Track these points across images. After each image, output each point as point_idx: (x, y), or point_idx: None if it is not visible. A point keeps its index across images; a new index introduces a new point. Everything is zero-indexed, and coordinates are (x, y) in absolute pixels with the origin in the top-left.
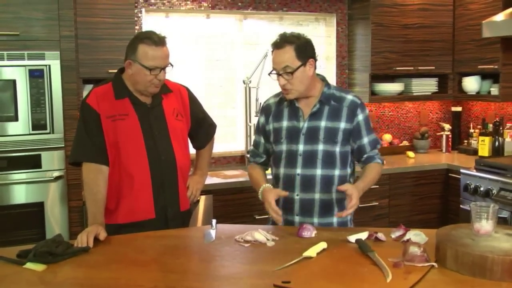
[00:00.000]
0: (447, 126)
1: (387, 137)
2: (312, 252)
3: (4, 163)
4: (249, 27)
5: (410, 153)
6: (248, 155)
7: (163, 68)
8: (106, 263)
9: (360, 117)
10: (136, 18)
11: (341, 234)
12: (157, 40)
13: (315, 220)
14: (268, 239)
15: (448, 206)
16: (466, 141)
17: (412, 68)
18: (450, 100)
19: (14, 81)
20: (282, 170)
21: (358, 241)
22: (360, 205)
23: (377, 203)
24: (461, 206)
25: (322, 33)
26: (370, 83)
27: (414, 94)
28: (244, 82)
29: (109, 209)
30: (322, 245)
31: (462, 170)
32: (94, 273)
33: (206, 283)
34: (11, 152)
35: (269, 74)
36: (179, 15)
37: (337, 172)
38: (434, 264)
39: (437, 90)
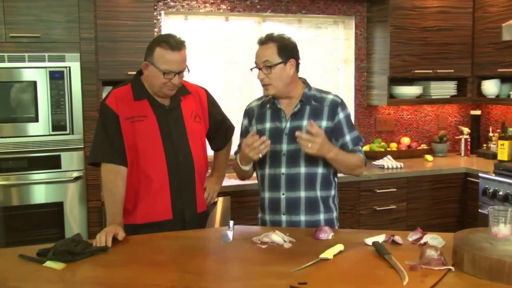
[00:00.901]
0: (466, 130)
1: (405, 140)
2: (328, 254)
3: (25, 163)
4: (268, 30)
5: (428, 157)
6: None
7: (177, 73)
8: (124, 263)
9: (341, 115)
10: (155, 21)
11: (358, 236)
12: (174, 44)
13: (302, 218)
14: (285, 241)
15: (466, 210)
16: (485, 145)
17: (431, 71)
18: (469, 103)
19: (35, 83)
20: (267, 171)
21: (375, 243)
22: (377, 208)
23: (395, 207)
24: (479, 210)
25: (340, 36)
26: (389, 86)
27: (433, 97)
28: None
29: (127, 209)
30: (339, 247)
31: (480, 174)
32: (112, 273)
33: (223, 284)
34: (31, 152)
35: (251, 69)
36: (198, 17)
37: (320, 170)
38: (451, 267)
39: (456, 94)
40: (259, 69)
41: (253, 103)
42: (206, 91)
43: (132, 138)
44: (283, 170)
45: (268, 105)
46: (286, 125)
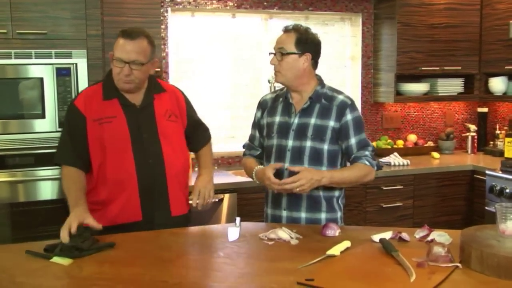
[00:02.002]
0: (472, 127)
1: (412, 138)
2: (335, 250)
3: (32, 159)
4: (275, 27)
5: (435, 154)
6: (244, 149)
7: (128, 63)
8: (131, 259)
9: (349, 117)
10: (162, 18)
11: (365, 233)
12: (129, 33)
13: (303, 215)
14: (292, 237)
15: (473, 207)
16: (492, 142)
17: (438, 68)
18: (476, 100)
19: (41, 79)
20: None
21: (382, 240)
22: (384, 205)
23: (401, 204)
24: (486, 208)
25: (347, 33)
26: (396, 83)
27: (440, 94)
28: (269, 81)
29: (96, 211)
30: (346, 243)
31: (487, 172)
32: (119, 269)
33: (230, 280)
34: (38, 149)
35: (270, 54)
36: (204, 14)
37: (324, 169)
38: (458, 264)
39: (463, 91)
40: (274, 54)
41: (267, 95)
42: (182, 92)
43: (100, 140)
44: (287, 165)
45: (281, 99)
46: (294, 120)
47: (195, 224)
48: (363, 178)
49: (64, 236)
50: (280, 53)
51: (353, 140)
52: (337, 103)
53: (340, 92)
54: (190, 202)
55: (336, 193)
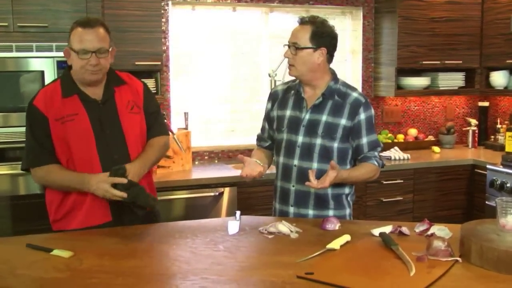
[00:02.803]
0: (473, 121)
1: (413, 132)
2: (335, 244)
3: None
4: (275, 21)
5: (436, 148)
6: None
7: (94, 52)
8: (131, 252)
9: (362, 116)
10: (162, 11)
11: (365, 227)
12: (86, 22)
13: (310, 212)
14: (291, 231)
15: (473, 202)
16: (492, 136)
17: (439, 62)
18: (477, 95)
19: (42, 72)
20: (281, 159)
21: (382, 234)
22: (384, 200)
23: (401, 198)
24: (486, 202)
25: (348, 27)
26: (396, 77)
27: (441, 88)
28: (269, 75)
29: (63, 215)
30: (346, 237)
31: (488, 166)
32: (119, 261)
33: (230, 274)
34: None
35: (284, 45)
36: (205, 8)
37: None
38: (458, 259)
39: (464, 85)
40: (289, 46)
41: (279, 86)
42: (144, 83)
43: (64, 139)
44: (296, 162)
45: (292, 92)
46: (306, 116)
47: (193, 218)
48: (369, 178)
49: (120, 193)
50: (294, 47)
51: (364, 140)
52: (350, 101)
53: (354, 89)
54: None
55: (346, 190)
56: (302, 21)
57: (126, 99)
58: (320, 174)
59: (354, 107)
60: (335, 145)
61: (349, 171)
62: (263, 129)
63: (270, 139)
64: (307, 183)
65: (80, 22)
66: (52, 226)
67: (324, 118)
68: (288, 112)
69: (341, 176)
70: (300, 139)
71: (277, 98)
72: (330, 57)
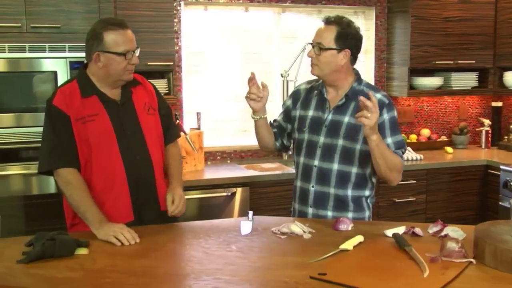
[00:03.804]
0: (487, 122)
1: (425, 132)
2: (348, 245)
3: None
4: (287, 21)
5: (449, 149)
6: None
7: (134, 51)
8: (144, 252)
9: (386, 116)
10: (175, 12)
11: (378, 228)
12: (120, 23)
13: (329, 213)
14: (304, 232)
15: (487, 203)
16: (506, 137)
17: (452, 62)
18: (490, 95)
19: (55, 73)
20: (301, 159)
21: (395, 235)
22: (396, 200)
23: (414, 199)
24: (500, 203)
25: (361, 27)
26: (409, 77)
27: (454, 88)
28: (282, 75)
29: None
30: (359, 238)
31: (502, 167)
32: (132, 261)
33: (242, 274)
34: None
35: (307, 44)
36: (217, 8)
37: (354, 169)
38: (472, 260)
39: (477, 85)
40: (313, 46)
41: (302, 85)
42: (153, 84)
43: (85, 139)
44: (316, 162)
45: (315, 92)
46: (328, 117)
47: (205, 218)
48: (394, 171)
49: (130, 238)
50: (319, 48)
51: (389, 140)
52: None
53: (377, 90)
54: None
55: (367, 193)
56: (328, 21)
57: (143, 100)
58: (340, 176)
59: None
60: (357, 147)
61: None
62: (275, 119)
63: (278, 128)
64: (362, 98)
65: (114, 23)
66: (68, 229)
67: (346, 119)
68: (310, 113)
69: (382, 142)
70: (322, 139)
71: (299, 97)
72: (354, 58)
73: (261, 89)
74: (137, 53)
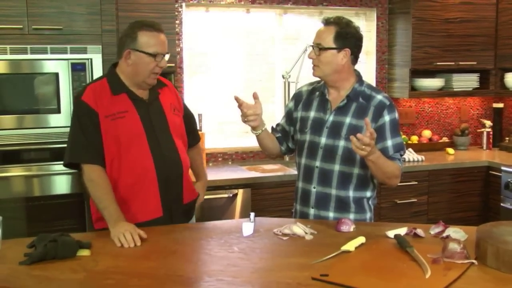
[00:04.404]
0: (488, 123)
1: (427, 133)
2: (350, 246)
3: (47, 154)
4: (289, 22)
5: (450, 150)
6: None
7: (164, 55)
8: (146, 253)
9: (386, 118)
10: (176, 13)
11: (380, 229)
12: (157, 26)
13: (331, 214)
14: (306, 233)
15: (488, 204)
16: (507, 138)
17: (453, 63)
18: (491, 96)
19: (57, 74)
20: (303, 161)
21: (397, 236)
22: (398, 202)
23: (416, 200)
24: (501, 204)
25: (362, 28)
26: (410, 78)
27: (455, 89)
28: (283, 76)
29: None
30: (361, 239)
31: (503, 168)
32: (134, 263)
33: (244, 275)
34: (54, 143)
35: (307, 46)
36: (219, 9)
37: (356, 170)
38: (474, 261)
39: (478, 86)
40: (312, 47)
41: (303, 87)
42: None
43: (114, 136)
44: (318, 163)
45: (317, 93)
46: (329, 118)
47: (207, 219)
48: (392, 178)
49: (130, 240)
50: (318, 48)
51: (389, 142)
52: (375, 103)
53: (379, 91)
54: None
55: (368, 194)
56: (327, 22)
57: (169, 101)
58: (342, 177)
59: (378, 109)
60: None
61: (380, 154)
62: (279, 123)
63: (282, 132)
64: (358, 136)
65: (150, 25)
66: (94, 224)
67: (348, 120)
68: (312, 114)
69: (374, 151)
70: (323, 140)
71: (301, 99)
72: (354, 58)
73: (255, 105)
74: (167, 58)
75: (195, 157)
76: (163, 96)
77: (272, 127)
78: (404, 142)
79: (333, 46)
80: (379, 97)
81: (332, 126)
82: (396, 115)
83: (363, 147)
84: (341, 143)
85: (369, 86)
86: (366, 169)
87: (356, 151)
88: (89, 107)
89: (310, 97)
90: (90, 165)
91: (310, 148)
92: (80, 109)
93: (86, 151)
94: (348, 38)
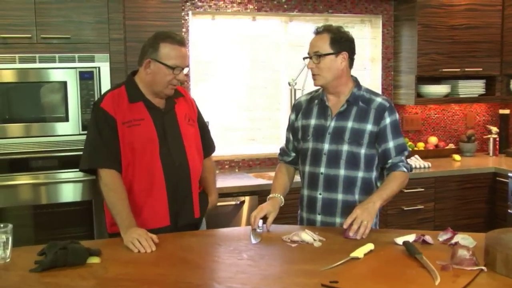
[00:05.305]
0: (494, 129)
1: (433, 140)
2: (359, 253)
3: (55, 162)
4: (295, 29)
5: (456, 156)
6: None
7: (183, 68)
8: (155, 260)
9: (387, 120)
10: (183, 21)
11: (388, 236)
12: (180, 40)
13: (337, 220)
14: (314, 240)
15: (495, 210)
16: None
17: (459, 69)
18: (497, 102)
19: (65, 83)
20: (307, 168)
21: (405, 243)
22: (405, 208)
23: (422, 207)
24: (508, 210)
25: (367, 35)
26: (416, 85)
27: (461, 96)
28: (289, 84)
29: None
30: (369, 246)
31: (510, 174)
32: (143, 270)
33: (253, 282)
34: (61, 151)
35: (303, 58)
36: (225, 17)
37: (360, 174)
38: (483, 268)
39: (484, 92)
40: (310, 58)
41: (302, 97)
42: (192, 97)
43: (129, 143)
44: (322, 169)
45: (316, 101)
46: (331, 124)
47: (214, 226)
48: (403, 187)
49: (146, 246)
50: (316, 56)
51: (391, 144)
52: (375, 106)
53: (377, 94)
54: None
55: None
56: (318, 31)
57: (184, 111)
58: (347, 181)
59: (379, 111)
60: (362, 151)
61: (385, 187)
62: (287, 140)
63: (294, 151)
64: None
65: (173, 37)
66: (108, 228)
67: (350, 124)
68: (313, 121)
69: (382, 196)
70: (326, 146)
71: (300, 109)
72: (351, 61)
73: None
74: (185, 71)
75: (205, 175)
76: (178, 106)
77: (282, 149)
78: (410, 149)
79: (331, 51)
80: (379, 99)
81: (334, 132)
82: (397, 116)
83: (360, 227)
84: (345, 147)
85: (368, 90)
86: (370, 172)
87: (360, 230)
88: (107, 113)
89: (309, 106)
90: (107, 169)
91: (314, 155)
92: (99, 115)
93: (104, 156)
94: (343, 42)
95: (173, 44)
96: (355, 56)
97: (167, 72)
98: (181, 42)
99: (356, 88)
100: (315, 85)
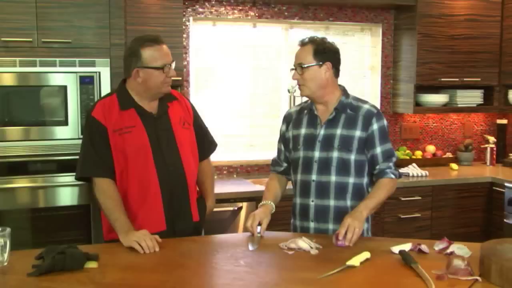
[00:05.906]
0: (491, 139)
1: (431, 149)
2: (355, 261)
3: (53, 166)
4: (295, 37)
5: (454, 165)
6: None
7: (170, 64)
8: (153, 266)
9: (375, 126)
10: (184, 27)
11: (384, 244)
12: (156, 39)
13: (330, 226)
14: (311, 247)
15: (492, 220)
16: (511, 154)
17: (457, 79)
18: (495, 112)
19: (65, 87)
20: (299, 177)
21: (401, 252)
22: (402, 216)
23: (419, 215)
24: (505, 220)
25: (367, 43)
26: (415, 94)
27: (459, 105)
28: (289, 91)
29: None
30: (366, 254)
31: (506, 184)
32: (142, 275)
33: None
34: (60, 155)
35: (290, 70)
36: (226, 24)
37: (351, 180)
38: (478, 278)
39: (482, 102)
40: (295, 69)
41: (292, 109)
42: (189, 99)
43: (121, 150)
44: (314, 177)
45: (305, 111)
46: (320, 132)
47: (212, 232)
48: (390, 193)
49: (151, 246)
50: (300, 67)
51: (378, 149)
52: (363, 113)
53: (365, 102)
54: None
55: None
56: (303, 43)
57: (178, 115)
58: (338, 187)
59: (367, 118)
60: (352, 157)
61: (372, 196)
62: (279, 151)
63: (286, 161)
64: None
65: (150, 39)
66: (105, 236)
67: (339, 131)
68: (303, 131)
69: (368, 205)
70: (317, 154)
71: (291, 120)
72: (336, 71)
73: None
74: (173, 66)
75: (203, 178)
76: (172, 110)
77: (274, 160)
78: (408, 157)
79: (314, 62)
80: (366, 106)
81: (324, 139)
82: (385, 122)
83: (351, 236)
84: (335, 154)
85: (355, 98)
86: (361, 177)
87: (348, 235)
88: (98, 122)
89: (299, 116)
90: (101, 178)
91: (305, 164)
92: (90, 124)
93: (96, 165)
94: (326, 53)
95: (153, 45)
96: (356, 65)
97: (158, 74)
98: (159, 40)
99: (344, 97)
100: (301, 95)
